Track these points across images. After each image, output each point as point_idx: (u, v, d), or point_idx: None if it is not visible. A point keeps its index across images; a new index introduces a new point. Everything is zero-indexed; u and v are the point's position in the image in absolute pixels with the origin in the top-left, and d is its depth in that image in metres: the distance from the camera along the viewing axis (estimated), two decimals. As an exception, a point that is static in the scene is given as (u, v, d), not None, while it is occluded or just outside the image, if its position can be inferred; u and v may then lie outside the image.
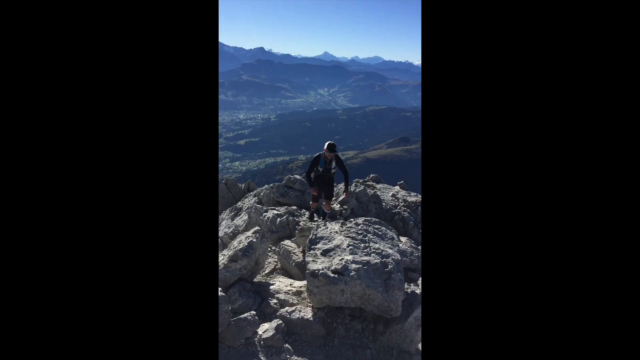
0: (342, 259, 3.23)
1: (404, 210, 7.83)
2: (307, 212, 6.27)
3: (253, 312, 2.96)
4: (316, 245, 3.54)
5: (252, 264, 3.62)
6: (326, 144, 4.92)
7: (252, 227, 4.61)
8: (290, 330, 3.07)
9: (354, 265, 3.13)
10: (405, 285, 3.34)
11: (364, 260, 3.22)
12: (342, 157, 5.15)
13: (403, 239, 6.11)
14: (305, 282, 3.40)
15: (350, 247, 3.42)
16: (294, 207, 6.36)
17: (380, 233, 3.80)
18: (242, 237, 3.83)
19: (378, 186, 9.08)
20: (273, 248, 5.05)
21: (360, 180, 9.24)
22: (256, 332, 2.85)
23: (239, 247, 3.52)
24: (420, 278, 4.63)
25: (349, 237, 3.59)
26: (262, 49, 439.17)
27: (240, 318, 2.85)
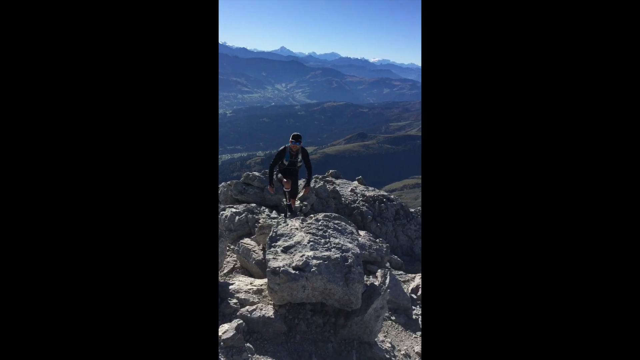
0: (303, 255, 3.23)
1: (363, 205, 8.02)
2: (268, 210, 6.19)
3: (212, 314, 2.88)
4: (276, 242, 3.51)
5: (210, 264, 3.52)
6: (292, 135, 4.76)
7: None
8: (252, 329, 3.03)
9: (314, 261, 3.15)
10: (365, 278, 3.43)
11: (324, 255, 3.25)
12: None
13: (362, 232, 6.26)
14: (265, 280, 3.36)
15: (311, 243, 3.44)
16: (253, 205, 6.26)
17: (340, 228, 3.85)
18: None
19: (337, 182, 9.21)
20: (232, 247, 4.94)
21: (320, 176, 9.30)
22: (216, 334, 2.78)
23: (196, 248, 3.40)
24: (379, 270, 4.77)
25: (310, 233, 3.61)
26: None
27: (199, 320, 2.76)
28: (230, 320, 2.99)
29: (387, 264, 5.84)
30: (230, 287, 3.57)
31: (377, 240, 6.06)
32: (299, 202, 6.61)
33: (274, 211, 6.21)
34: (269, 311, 3.12)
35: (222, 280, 3.89)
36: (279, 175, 4.95)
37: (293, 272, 3.07)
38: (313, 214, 4.63)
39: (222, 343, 2.72)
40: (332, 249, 3.39)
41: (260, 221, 5.03)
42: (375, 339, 3.35)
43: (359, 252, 3.53)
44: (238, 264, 4.55)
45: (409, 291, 4.96)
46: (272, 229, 3.81)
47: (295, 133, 4.82)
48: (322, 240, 3.51)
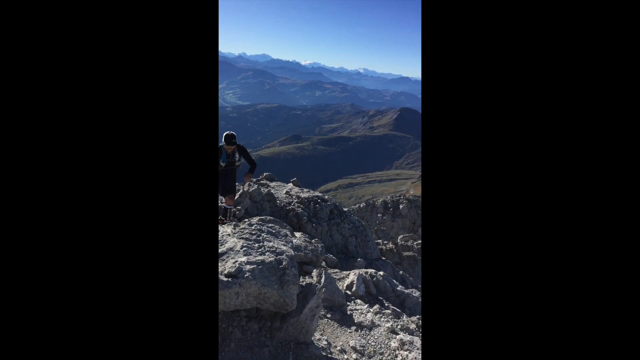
0: (236, 261, 3.16)
1: (298, 207, 8.09)
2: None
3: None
4: (208, 250, 3.39)
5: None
6: (223, 135, 4.45)
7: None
8: (183, 343, 2.88)
9: (248, 266, 3.10)
10: (301, 279, 3.47)
11: (258, 260, 3.22)
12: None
13: (297, 234, 6.31)
14: (197, 290, 3.22)
15: (244, 248, 3.38)
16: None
17: (274, 231, 3.84)
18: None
19: (272, 184, 9.16)
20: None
21: (254, 179, 9.16)
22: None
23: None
24: (314, 270, 4.86)
25: (243, 238, 3.54)
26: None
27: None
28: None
29: (323, 263, 5.98)
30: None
31: (313, 240, 6.16)
32: (234, 208, 6.44)
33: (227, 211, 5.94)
34: (201, 322, 2.99)
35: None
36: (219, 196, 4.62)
37: (225, 279, 2.99)
38: (247, 218, 4.55)
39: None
40: (267, 253, 3.37)
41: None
42: (312, 338, 3.41)
43: (293, 253, 3.56)
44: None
45: (344, 288, 5.13)
46: (202, 237, 3.66)
47: (228, 132, 4.48)
48: (256, 245, 3.47)
